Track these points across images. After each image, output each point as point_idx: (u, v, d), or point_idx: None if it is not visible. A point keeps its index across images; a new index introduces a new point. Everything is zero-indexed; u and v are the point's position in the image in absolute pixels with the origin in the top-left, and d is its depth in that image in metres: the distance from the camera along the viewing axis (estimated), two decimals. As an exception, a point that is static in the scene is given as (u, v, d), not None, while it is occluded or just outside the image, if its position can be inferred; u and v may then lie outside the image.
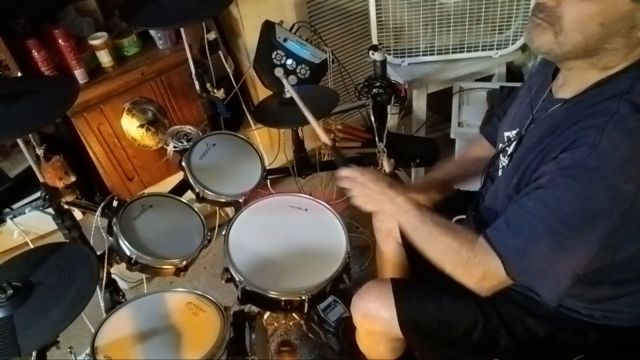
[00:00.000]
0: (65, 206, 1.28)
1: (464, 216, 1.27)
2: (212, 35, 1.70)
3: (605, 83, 0.85)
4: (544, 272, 0.87)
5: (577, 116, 0.85)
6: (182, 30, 1.57)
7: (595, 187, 0.79)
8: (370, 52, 1.70)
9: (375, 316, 1.14)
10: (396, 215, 1.05)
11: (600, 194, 0.79)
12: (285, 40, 1.72)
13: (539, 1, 0.84)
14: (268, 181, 1.79)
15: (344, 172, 1.10)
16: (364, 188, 1.07)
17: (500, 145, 1.10)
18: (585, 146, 0.79)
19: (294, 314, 1.76)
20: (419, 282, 1.20)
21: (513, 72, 2.09)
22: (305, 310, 1.21)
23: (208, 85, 1.68)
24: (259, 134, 1.90)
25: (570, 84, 0.92)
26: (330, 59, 1.77)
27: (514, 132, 1.06)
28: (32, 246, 1.38)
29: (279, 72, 1.72)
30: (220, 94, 1.66)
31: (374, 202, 1.08)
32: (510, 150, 1.05)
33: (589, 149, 0.79)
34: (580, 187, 0.80)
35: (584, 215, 0.81)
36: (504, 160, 1.08)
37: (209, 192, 1.47)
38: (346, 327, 1.65)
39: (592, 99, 0.85)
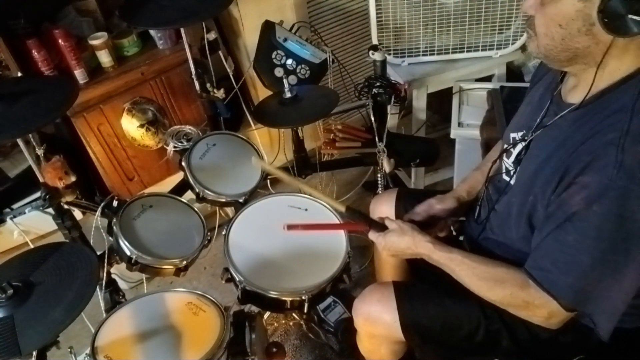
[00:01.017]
0: (65, 206, 1.28)
1: (463, 218, 1.27)
2: (212, 35, 1.70)
3: (611, 91, 0.86)
4: (603, 297, 0.88)
5: (588, 130, 0.85)
6: (182, 30, 1.58)
7: (631, 206, 0.79)
8: (370, 52, 1.70)
9: (377, 319, 1.14)
10: (441, 267, 1.07)
11: (637, 212, 0.79)
12: (285, 40, 1.72)
13: (523, 12, 0.90)
14: (268, 181, 1.79)
15: (372, 236, 1.16)
16: (393, 250, 1.13)
17: (505, 146, 1.09)
18: (609, 166, 0.79)
19: (294, 314, 1.76)
20: (421, 285, 1.20)
21: (513, 72, 2.09)
22: (305, 310, 1.21)
23: (208, 85, 1.68)
24: (259, 134, 1.90)
25: (578, 88, 0.92)
26: (330, 59, 1.77)
27: (521, 134, 1.05)
28: (32, 246, 1.38)
29: (279, 72, 1.72)
30: (220, 94, 1.67)
31: (411, 255, 1.12)
32: (515, 152, 1.04)
33: (613, 168, 0.79)
34: (615, 210, 0.80)
35: (627, 236, 0.81)
36: (508, 163, 1.07)
37: (209, 192, 1.47)
38: (346, 328, 1.65)
39: (600, 109, 0.86)
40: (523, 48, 1.95)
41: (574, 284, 0.87)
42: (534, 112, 1.03)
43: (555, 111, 0.95)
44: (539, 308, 0.92)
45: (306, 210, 1.39)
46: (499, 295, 0.97)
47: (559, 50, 0.86)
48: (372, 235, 1.15)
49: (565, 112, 0.92)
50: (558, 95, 0.98)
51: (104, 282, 1.35)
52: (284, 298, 1.20)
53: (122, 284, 1.78)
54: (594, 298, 0.88)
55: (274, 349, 1.29)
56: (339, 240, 1.29)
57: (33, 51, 1.52)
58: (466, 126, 1.80)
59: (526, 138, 1.01)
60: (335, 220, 1.34)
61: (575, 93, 0.92)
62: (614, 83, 0.85)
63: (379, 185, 1.79)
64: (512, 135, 1.08)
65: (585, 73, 0.88)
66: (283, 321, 1.79)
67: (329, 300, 1.75)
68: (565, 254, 0.87)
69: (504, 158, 1.09)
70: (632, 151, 0.79)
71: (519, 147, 1.03)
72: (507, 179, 1.06)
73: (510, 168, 1.06)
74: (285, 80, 1.52)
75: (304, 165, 1.78)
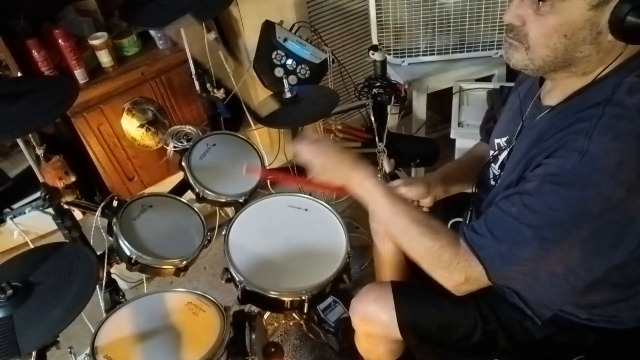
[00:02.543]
0: (65, 206, 1.28)
1: (460, 219, 1.27)
2: (212, 35, 1.70)
3: (587, 89, 0.86)
4: (532, 278, 0.88)
5: (562, 124, 0.85)
6: (182, 30, 1.58)
7: (587, 193, 0.79)
8: (370, 52, 1.70)
9: (374, 319, 1.14)
10: (366, 201, 1.00)
11: (591, 200, 0.79)
12: (285, 40, 1.72)
13: (507, 22, 0.86)
14: (268, 181, 1.79)
15: (297, 146, 1.04)
16: (326, 167, 1.02)
17: (492, 152, 1.10)
18: (574, 152, 0.79)
19: (294, 314, 1.76)
20: (419, 285, 1.20)
21: (513, 72, 2.08)
22: (305, 310, 1.21)
23: (208, 85, 1.68)
24: (259, 134, 1.90)
25: (556, 91, 0.92)
26: (330, 59, 1.77)
27: (504, 139, 1.06)
28: (32, 246, 1.37)
29: (279, 72, 1.72)
30: (220, 94, 1.66)
31: (340, 180, 1.02)
32: (501, 158, 1.05)
33: (578, 155, 0.78)
34: (572, 194, 0.80)
35: (573, 220, 0.81)
36: (495, 168, 1.08)
37: (209, 192, 1.47)
38: (346, 327, 1.65)
39: (577, 106, 0.86)
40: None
41: (504, 255, 0.86)
42: (515, 117, 1.04)
43: (535, 114, 0.96)
44: (459, 272, 0.90)
45: (306, 210, 1.39)
46: (427, 245, 0.92)
47: (558, 61, 0.84)
48: (299, 145, 1.03)
49: (543, 114, 0.93)
50: (537, 99, 0.98)
51: (104, 282, 1.35)
52: (284, 298, 1.20)
53: (122, 284, 1.78)
54: (522, 276, 0.87)
55: (272, 349, 1.29)
56: (339, 240, 1.29)
57: (33, 51, 1.52)
58: (466, 126, 1.80)
59: (511, 142, 1.02)
60: (334, 219, 1.34)
61: (553, 95, 0.93)
62: (590, 82, 0.86)
63: (379, 185, 1.79)
64: (497, 141, 1.09)
65: (567, 79, 0.88)
66: (283, 321, 1.79)
67: (329, 300, 1.75)
68: (505, 224, 0.86)
69: (492, 164, 1.09)
70: (600, 140, 0.78)
71: (504, 153, 1.04)
72: (494, 183, 1.07)
73: (497, 173, 1.07)
74: (285, 80, 1.52)
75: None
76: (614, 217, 0.80)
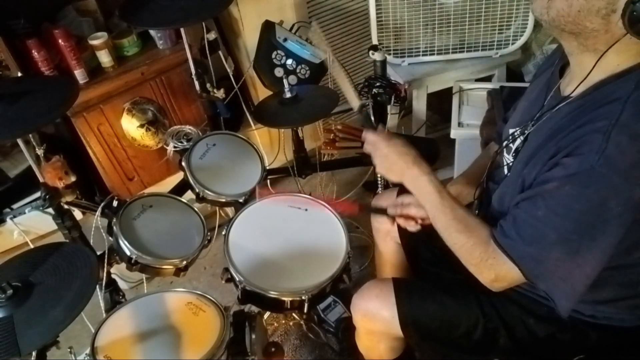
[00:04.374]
0: (65, 206, 1.28)
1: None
2: (212, 35, 1.71)
3: (609, 83, 0.85)
4: (562, 278, 0.88)
5: (581, 119, 0.85)
6: (182, 30, 1.58)
7: (605, 193, 0.79)
8: (370, 52, 1.70)
9: (375, 315, 1.15)
10: (416, 195, 1.05)
11: (610, 200, 0.79)
12: (285, 40, 1.73)
13: None
14: (268, 181, 1.79)
15: (370, 136, 1.08)
16: (387, 158, 1.06)
17: (505, 142, 1.10)
18: (592, 152, 0.79)
19: (294, 314, 1.76)
20: (420, 282, 1.20)
21: (513, 72, 2.09)
22: (305, 310, 1.21)
23: (208, 85, 1.68)
24: (259, 134, 1.90)
25: (574, 81, 0.92)
26: (330, 59, 1.77)
27: (519, 129, 1.05)
28: (32, 246, 1.37)
29: (279, 72, 1.72)
30: (220, 94, 1.67)
31: (395, 175, 1.06)
32: (514, 146, 1.05)
33: (596, 155, 0.79)
34: (589, 194, 0.80)
35: (595, 222, 0.81)
36: (508, 157, 1.08)
37: (209, 192, 1.47)
38: (346, 327, 1.65)
39: (597, 100, 0.86)
40: (523, 48, 1.95)
41: (535, 256, 0.88)
42: (531, 107, 1.04)
43: (553, 104, 0.96)
44: (489, 269, 0.94)
45: (306, 210, 1.39)
46: (462, 241, 0.97)
47: (569, 20, 0.83)
48: (373, 136, 1.07)
49: (561, 105, 0.93)
50: (557, 90, 0.98)
51: (104, 282, 1.35)
52: (284, 298, 1.20)
53: (122, 284, 1.78)
54: (553, 276, 0.89)
55: (273, 349, 1.29)
56: (339, 240, 1.29)
57: (33, 51, 1.52)
58: (466, 126, 1.80)
59: (525, 131, 1.02)
60: (334, 219, 1.34)
61: (571, 87, 0.93)
62: (610, 76, 0.85)
63: (379, 185, 1.79)
64: (511, 130, 1.08)
65: (582, 54, 0.88)
66: (283, 321, 1.79)
67: (329, 300, 1.75)
68: (532, 227, 0.88)
69: (504, 153, 1.09)
70: (617, 140, 0.78)
71: (518, 141, 1.03)
72: (507, 172, 1.07)
73: (510, 162, 1.06)
74: (285, 80, 1.52)
75: (304, 165, 1.78)
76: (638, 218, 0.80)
